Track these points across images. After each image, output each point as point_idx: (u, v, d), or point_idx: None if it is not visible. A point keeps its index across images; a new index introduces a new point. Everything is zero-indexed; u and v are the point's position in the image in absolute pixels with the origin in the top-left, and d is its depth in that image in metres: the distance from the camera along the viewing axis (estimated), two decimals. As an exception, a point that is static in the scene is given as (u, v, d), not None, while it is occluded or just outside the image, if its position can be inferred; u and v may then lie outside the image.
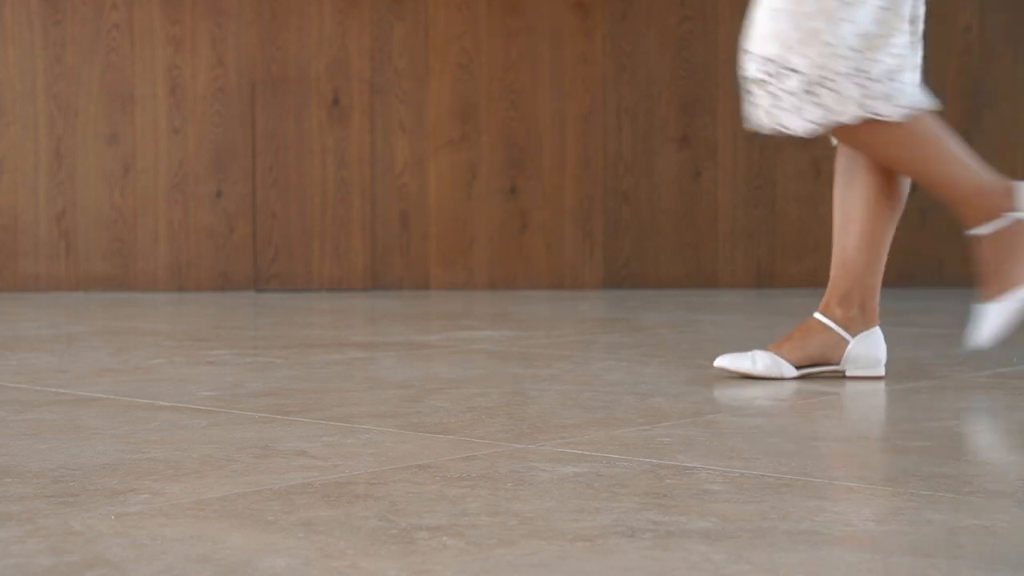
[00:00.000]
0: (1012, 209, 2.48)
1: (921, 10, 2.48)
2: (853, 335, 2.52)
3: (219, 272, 4.93)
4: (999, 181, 2.52)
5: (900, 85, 2.40)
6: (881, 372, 2.52)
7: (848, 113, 2.39)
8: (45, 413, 2.10)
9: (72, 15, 4.87)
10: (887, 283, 5.02)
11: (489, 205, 4.97)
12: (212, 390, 2.36)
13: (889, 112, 2.39)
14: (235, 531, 1.32)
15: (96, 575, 1.17)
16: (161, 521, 1.36)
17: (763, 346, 2.62)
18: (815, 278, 5.05)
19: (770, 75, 2.40)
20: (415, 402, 2.30)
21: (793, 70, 2.38)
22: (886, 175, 2.57)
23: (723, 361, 2.53)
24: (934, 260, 5.08)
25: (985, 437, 1.87)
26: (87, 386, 2.41)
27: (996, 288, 2.44)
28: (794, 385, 2.43)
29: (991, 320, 2.42)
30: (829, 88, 2.38)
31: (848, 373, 2.52)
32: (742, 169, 5.04)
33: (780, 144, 5.04)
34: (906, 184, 2.62)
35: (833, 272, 2.56)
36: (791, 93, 2.39)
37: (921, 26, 2.49)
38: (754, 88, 2.43)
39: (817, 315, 2.54)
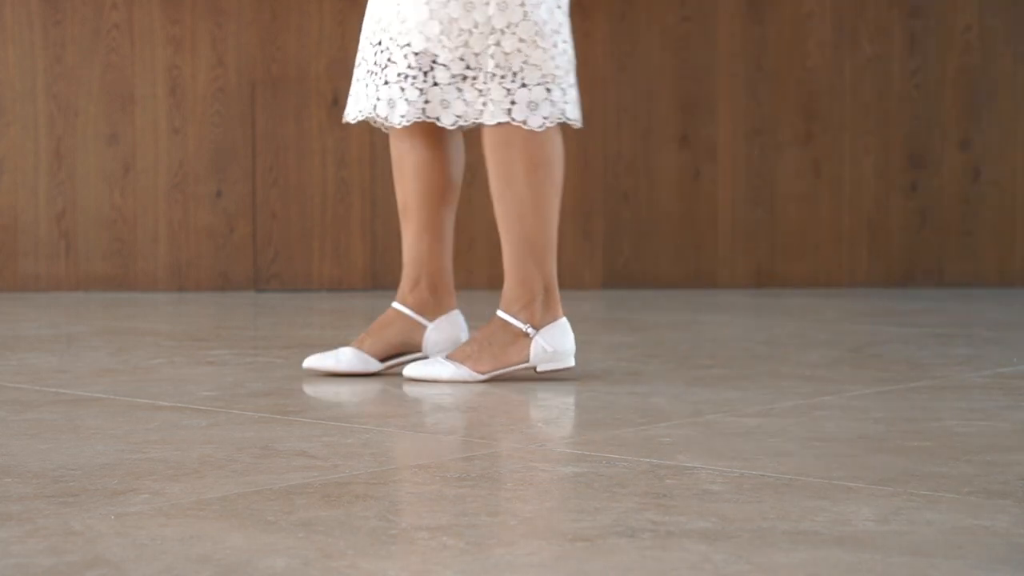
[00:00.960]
0: (536, 327, 2.47)
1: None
2: (430, 320, 2.58)
3: (219, 272, 4.93)
4: (554, 303, 2.51)
5: (552, 96, 2.42)
6: (571, 363, 2.50)
7: (490, 113, 2.40)
8: (45, 413, 2.10)
9: (72, 15, 4.87)
10: (887, 283, 5.04)
11: (489, 205, 4.96)
12: (212, 390, 2.36)
13: (533, 122, 2.41)
14: (235, 531, 1.32)
15: (96, 575, 1.17)
16: (161, 521, 1.36)
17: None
18: (815, 278, 5.05)
19: (418, 68, 2.41)
20: (415, 402, 2.30)
21: (440, 63, 2.40)
22: (434, 163, 2.57)
23: (310, 361, 2.56)
24: (934, 260, 5.08)
25: (985, 437, 1.87)
26: (87, 386, 2.41)
27: (463, 354, 2.48)
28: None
29: (429, 366, 2.47)
30: (473, 85, 2.40)
31: (431, 357, 2.54)
32: (742, 169, 5.04)
33: (780, 144, 5.04)
34: (455, 167, 2.61)
35: (404, 260, 2.62)
36: (436, 85, 2.40)
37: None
38: (402, 82, 2.42)
39: (394, 304, 2.59)
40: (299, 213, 4.95)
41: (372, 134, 4.94)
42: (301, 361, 2.63)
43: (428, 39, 2.41)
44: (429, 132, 2.56)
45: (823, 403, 2.21)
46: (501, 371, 2.47)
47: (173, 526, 1.34)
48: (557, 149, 2.50)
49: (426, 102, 2.43)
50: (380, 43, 2.48)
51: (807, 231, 5.06)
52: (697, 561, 1.21)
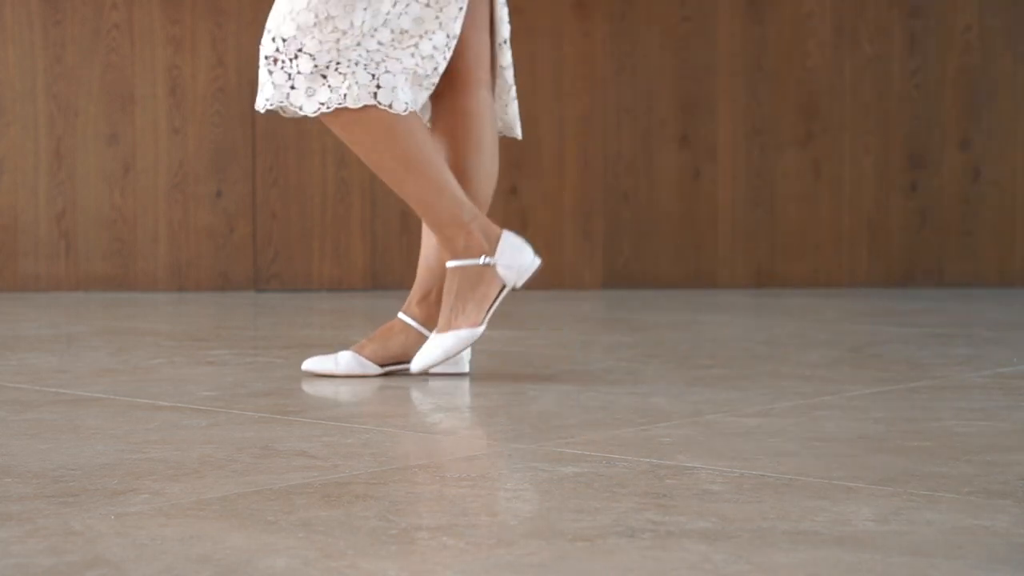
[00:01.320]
0: (489, 254, 2.47)
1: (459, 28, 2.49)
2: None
3: (219, 272, 4.93)
4: (489, 224, 2.49)
5: (395, 79, 2.41)
6: (464, 369, 2.54)
7: (353, 98, 2.38)
8: (45, 413, 2.10)
9: (72, 15, 4.87)
10: (887, 283, 5.04)
11: (490, 206, 4.97)
12: (212, 390, 2.36)
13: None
14: (235, 531, 1.32)
15: (96, 575, 1.17)
16: (161, 521, 1.36)
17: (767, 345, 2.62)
18: (815, 278, 5.05)
19: (282, 54, 2.39)
20: (415, 402, 2.30)
21: (305, 52, 2.38)
22: (462, 180, 2.55)
23: (309, 363, 2.56)
24: (934, 260, 5.08)
25: (985, 437, 1.87)
26: (87, 386, 2.41)
27: (445, 321, 2.46)
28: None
29: (429, 349, 2.46)
30: (340, 72, 2.38)
31: (432, 370, 2.53)
32: (742, 169, 5.04)
33: (780, 144, 5.04)
34: (485, 187, 2.59)
35: (418, 271, 2.61)
36: (302, 74, 2.38)
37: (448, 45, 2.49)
38: (269, 65, 2.40)
39: (400, 314, 2.58)
40: (299, 213, 4.95)
41: (372, 134, 4.95)
42: (301, 361, 2.63)
43: (299, 28, 2.38)
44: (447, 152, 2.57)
45: (823, 403, 2.21)
46: (492, 310, 2.46)
47: (173, 526, 1.34)
48: (379, 119, 2.42)
49: (291, 88, 2.41)
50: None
51: (807, 231, 5.06)
52: (697, 561, 1.21)
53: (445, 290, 2.48)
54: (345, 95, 2.39)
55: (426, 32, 2.47)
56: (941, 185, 5.08)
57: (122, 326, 3.67)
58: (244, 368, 2.70)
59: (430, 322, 2.56)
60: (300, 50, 2.38)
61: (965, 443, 1.82)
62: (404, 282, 4.98)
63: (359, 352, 2.56)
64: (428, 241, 2.60)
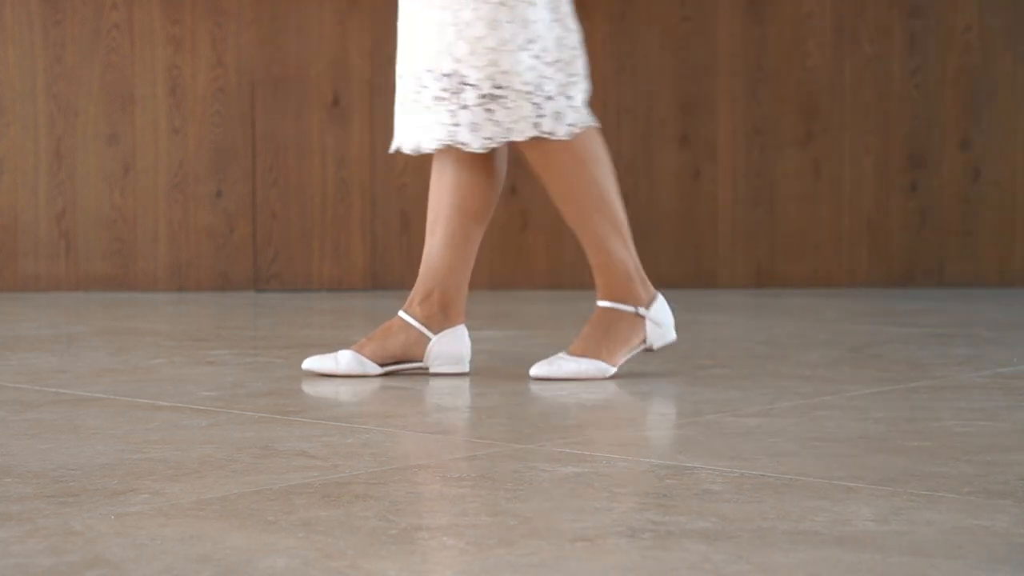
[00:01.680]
0: (643, 306, 2.55)
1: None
2: (435, 333, 2.55)
3: (219, 272, 4.93)
4: (646, 278, 2.59)
5: (573, 102, 2.49)
6: (465, 368, 2.57)
7: (519, 131, 2.45)
8: (45, 413, 2.10)
9: (72, 15, 4.87)
10: (887, 283, 5.04)
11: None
12: (212, 390, 2.36)
13: (560, 132, 2.47)
14: (235, 531, 1.32)
15: (96, 575, 1.17)
16: (161, 521, 1.36)
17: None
18: (815, 278, 5.05)
19: (448, 91, 2.44)
20: (415, 402, 2.30)
21: (468, 83, 2.43)
22: (474, 180, 2.58)
23: (309, 362, 2.56)
24: (934, 260, 5.08)
25: (985, 437, 1.87)
26: (87, 386, 2.41)
27: (588, 349, 2.51)
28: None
29: (561, 363, 2.49)
30: (502, 105, 2.43)
31: (432, 369, 2.56)
32: (742, 169, 5.04)
33: (780, 144, 5.04)
34: (494, 191, 2.62)
35: (420, 271, 2.62)
36: (466, 107, 2.43)
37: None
38: (433, 105, 2.45)
39: (400, 313, 2.57)
40: (299, 213, 4.95)
41: (372, 134, 4.95)
42: (301, 361, 2.63)
43: (457, 60, 2.43)
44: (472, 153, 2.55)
45: (823, 403, 2.21)
46: (628, 357, 2.53)
47: (173, 526, 1.34)
48: (596, 140, 2.54)
49: (455, 125, 2.45)
50: (410, 74, 2.50)
51: (807, 231, 5.06)
52: (697, 561, 1.21)
53: (595, 322, 2.53)
54: (511, 129, 2.44)
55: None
56: (941, 185, 5.08)
57: (122, 326, 3.67)
58: (244, 368, 2.70)
59: (431, 322, 2.56)
60: (463, 83, 2.43)
61: (965, 443, 1.82)
62: (404, 282, 4.98)
63: (359, 351, 2.56)
64: (431, 242, 2.61)
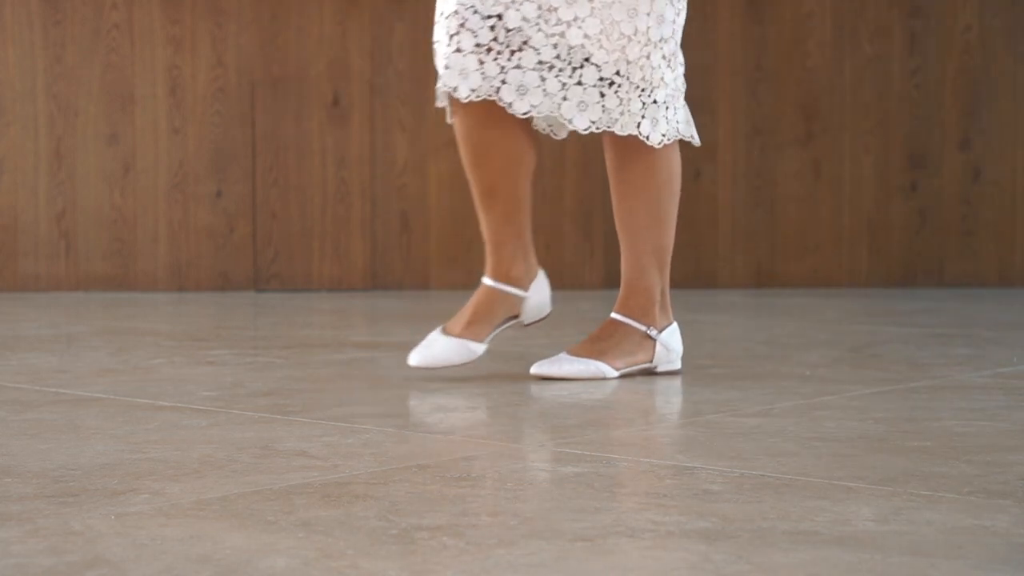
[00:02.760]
0: (656, 329, 2.55)
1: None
2: (526, 289, 2.54)
3: (219, 272, 4.93)
4: (667, 308, 2.59)
5: (669, 114, 2.48)
6: (678, 366, 2.59)
7: (622, 124, 2.42)
8: (45, 413, 2.10)
9: (72, 15, 4.87)
10: (887, 283, 5.04)
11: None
12: (212, 390, 2.36)
13: (654, 138, 2.45)
14: (235, 531, 1.32)
15: (96, 575, 1.17)
16: (161, 521, 1.36)
17: (763, 342, 2.62)
18: (815, 278, 5.05)
19: (567, 63, 2.38)
20: (415, 402, 2.30)
21: (592, 63, 2.38)
22: (527, 145, 2.51)
23: (416, 358, 2.48)
24: (934, 260, 5.08)
25: (985, 437, 1.87)
26: (87, 386, 2.41)
27: (594, 351, 2.51)
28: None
29: (563, 362, 2.49)
30: (616, 93, 2.40)
31: (526, 323, 2.57)
32: (742, 169, 5.04)
33: (780, 144, 5.04)
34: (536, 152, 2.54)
35: (492, 241, 2.53)
36: (580, 84, 2.39)
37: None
38: (539, 70, 2.37)
39: (492, 283, 2.51)
40: (299, 213, 4.95)
41: (372, 134, 4.95)
42: (301, 361, 2.62)
43: (587, 36, 2.39)
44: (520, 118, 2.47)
45: (823, 403, 2.21)
46: (629, 369, 2.52)
47: (173, 526, 1.34)
48: (678, 162, 2.55)
49: (563, 99, 2.40)
50: (509, 23, 2.37)
51: (807, 231, 5.06)
52: (697, 561, 1.21)
53: (604, 331, 2.53)
54: (616, 120, 2.42)
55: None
56: (941, 185, 5.08)
57: (122, 326, 3.67)
58: (244, 368, 2.70)
59: (522, 282, 2.53)
60: (586, 60, 2.39)
61: (965, 443, 1.82)
62: (404, 282, 4.99)
63: (464, 335, 2.50)
64: (499, 209, 2.52)
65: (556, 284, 5.09)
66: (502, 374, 2.59)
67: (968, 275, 5.07)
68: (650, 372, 2.55)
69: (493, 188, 2.50)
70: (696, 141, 2.56)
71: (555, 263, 4.98)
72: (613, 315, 2.56)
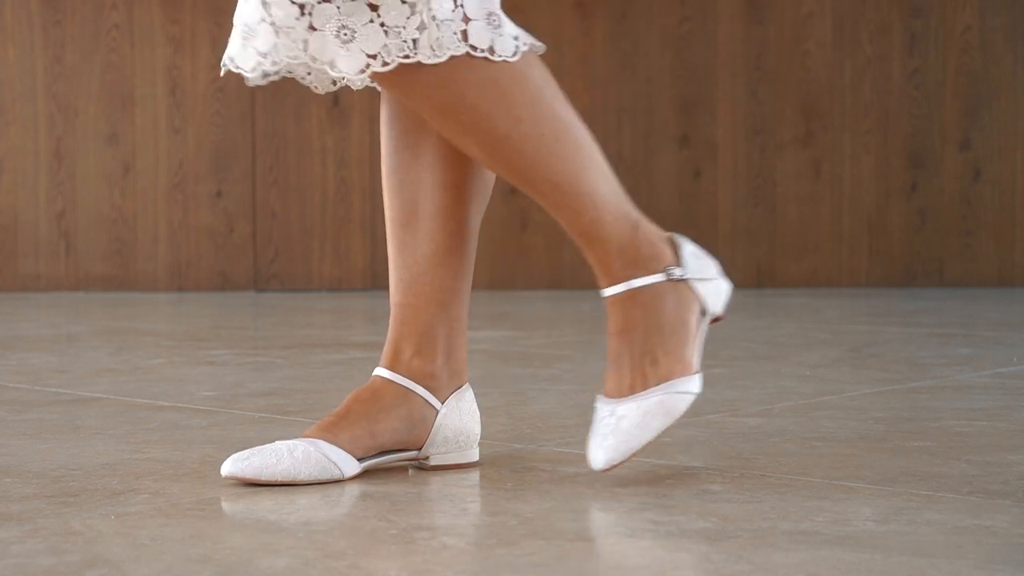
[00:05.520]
0: (674, 264, 1.60)
1: None
2: (442, 399, 1.65)
3: (219, 272, 4.93)
4: (655, 228, 1.62)
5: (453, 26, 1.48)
6: (475, 458, 1.67)
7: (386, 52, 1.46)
8: (45, 413, 2.10)
9: (72, 15, 4.87)
10: (887, 283, 5.04)
11: (489, 205, 4.97)
12: (212, 390, 2.36)
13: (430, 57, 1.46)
14: (235, 531, 1.32)
15: (96, 575, 1.17)
16: (161, 521, 1.36)
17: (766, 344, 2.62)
18: (815, 278, 5.05)
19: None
20: (415, 402, 2.30)
21: None
22: (454, 152, 1.65)
23: (232, 466, 1.54)
24: (934, 260, 5.08)
25: (985, 437, 1.87)
26: (87, 386, 2.41)
27: (632, 377, 1.56)
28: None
29: (624, 431, 1.53)
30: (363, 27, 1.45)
31: (433, 462, 1.65)
32: (742, 169, 5.04)
33: (780, 144, 5.03)
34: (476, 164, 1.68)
35: (400, 301, 1.68)
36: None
37: None
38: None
39: (383, 371, 1.65)
40: (299, 213, 4.95)
41: (372, 134, 4.95)
42: (301, 361, 2.62)
43: None
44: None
45: (823, 403, 2.21)
46: (699, 345, 1.61)
47: (173, 526, 1.34)
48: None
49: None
50: None
51: (807, 231, 5.06)
52: (697, 561, 1.21)
53: (621, 327, 1.57)
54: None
55: None
56: (941, 185, 5.08)
57: (122, 326, 3.67)
58: (244, 368, 2.70)
59: (434, 383, 1.65)
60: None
61: (965, 443, 1.82)
62: (404, 282, 4.99)
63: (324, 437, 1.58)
64: (415, 250, 1.66)
65: (556, 284, 5.10)
66: (502, 374, 2.59)
67: (968, 275, 5.07)
68: (717, 321, 1.63)
69: (416, 208, 1.66)
70: (511, 53, 1.51)
71: (555, 263, 4.98)
72: (608, 291, 1.58)
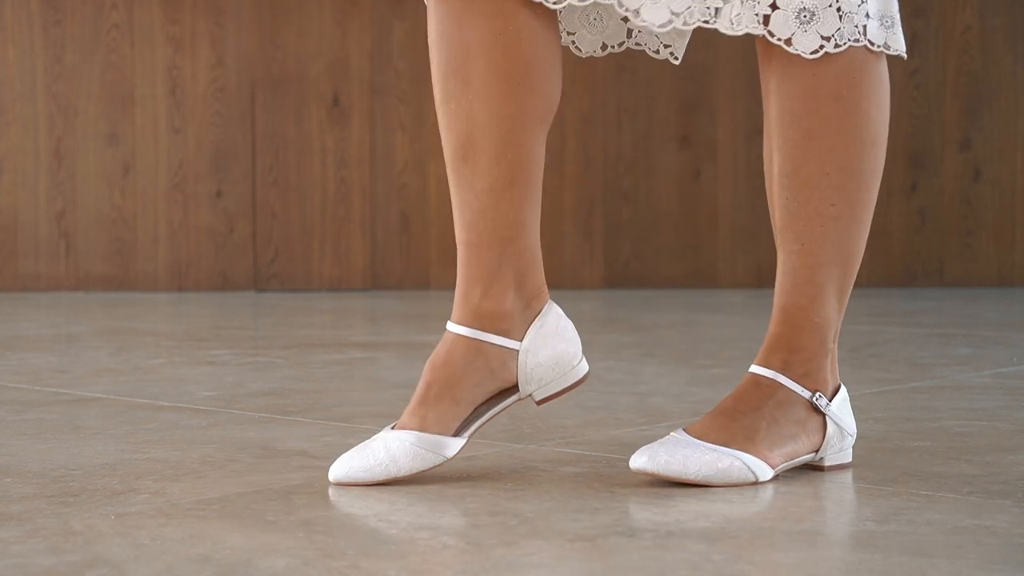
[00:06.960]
0: (826, 395, 1.64)
1: None
2: (520, 337, 1.59)
3: (219, 272, 4.93)
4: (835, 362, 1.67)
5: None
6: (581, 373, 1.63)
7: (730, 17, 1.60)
8: (45, 413, 2.10)
9: (72, 15, 4.87)
10: (887, 283, 5.04)
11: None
12: (212, 390, 2.36)
13: (807, 44, 1.62)
14: (235, 531, 1.32)
15: (96, 575, 1.17)
16: (161, 521, 1.36)
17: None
18: (815, 278, 5.05)
19: None
20: (415, 402, 2.30)
21: None
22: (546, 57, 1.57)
23: (338, 472, 1.54)
24: (934, 260, 5.08)
25: (985, 437, 1.87)
26: (87, 386, 2.41)
27: (743, 437, 1.55)
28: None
29: (696, 457, 1.52)
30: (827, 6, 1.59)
31: (538, 397, 1.63)
32: (742, 169, 5.04)
33: (780, 144, 5.03)
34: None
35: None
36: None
37: None
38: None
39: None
40: (299, 213, 4.95)
41: (372, 134, 4.94)
42: (301, 361, 2.62)
43: None
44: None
45: (823, 403, 2.21)
46: (789, 465, 1.57)
47: (173, 526, 1.34)
48: (879, 92, 1.71)
49: None
50: None
51: (807, 231, 5.05)
52: (697, 561, 1.21)
53: (747, 397, 1.56)
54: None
55: None
56: (941, 185, 5.08)
57: (122, 326, 3.67)
58: (244, 368, 2.70)
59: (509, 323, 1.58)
60: None
61: (965, 443, 1.82)
62: (404, 282, 4.99)
63: (421, 428, 1.55)
64: (476, 181, 1.55)
65: (556, 284, 5.09)
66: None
67: (968, 275, 5.07)
68: (816, 468, 1.61)
69: (472, 140, 1.55)
70: (903, 53, 1.72)
71: (555, 263, 4.98)
72: (758, 370, 1.58)
